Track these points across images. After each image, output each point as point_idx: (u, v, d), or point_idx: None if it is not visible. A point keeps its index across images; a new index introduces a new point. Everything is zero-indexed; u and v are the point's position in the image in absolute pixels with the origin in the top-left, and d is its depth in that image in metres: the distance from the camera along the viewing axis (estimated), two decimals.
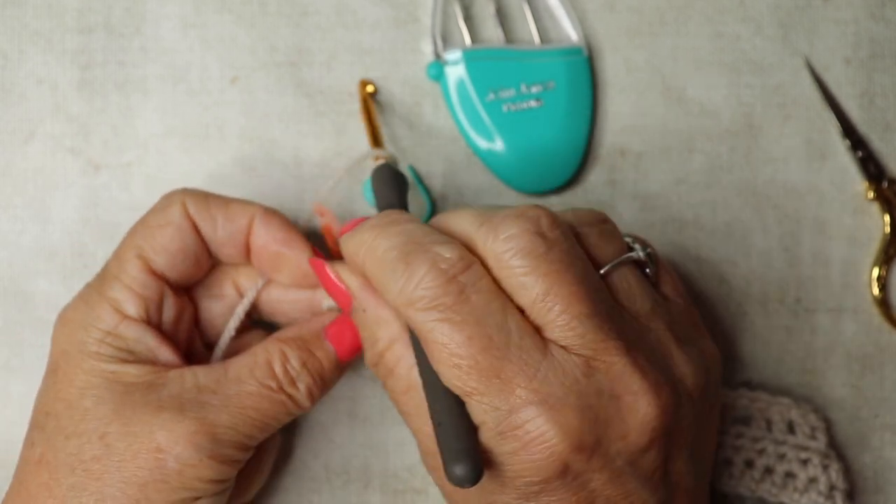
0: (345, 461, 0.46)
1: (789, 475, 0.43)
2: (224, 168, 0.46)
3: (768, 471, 0.43)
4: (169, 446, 0.35)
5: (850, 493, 0.45)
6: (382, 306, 0.36)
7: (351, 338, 0.40)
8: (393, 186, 0.40)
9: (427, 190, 0.46)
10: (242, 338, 0.42)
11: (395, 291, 0.33)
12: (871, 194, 0.47)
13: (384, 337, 0.36)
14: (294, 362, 0.38)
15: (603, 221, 0.37)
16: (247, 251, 0.40)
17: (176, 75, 0.46)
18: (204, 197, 0.40)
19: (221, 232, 0.40)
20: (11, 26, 0.46)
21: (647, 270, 0.37)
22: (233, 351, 0.41)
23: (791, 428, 0.44)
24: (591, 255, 0.35)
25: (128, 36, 0.46)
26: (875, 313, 0.47)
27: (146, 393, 0.36)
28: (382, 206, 0.40)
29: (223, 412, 0.36)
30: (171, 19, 0.46)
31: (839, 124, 0.47)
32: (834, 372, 0.47)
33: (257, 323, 0.43)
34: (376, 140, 0.43)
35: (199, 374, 0.37)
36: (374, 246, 0.35)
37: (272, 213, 0.40)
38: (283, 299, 0.42)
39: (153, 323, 0.38)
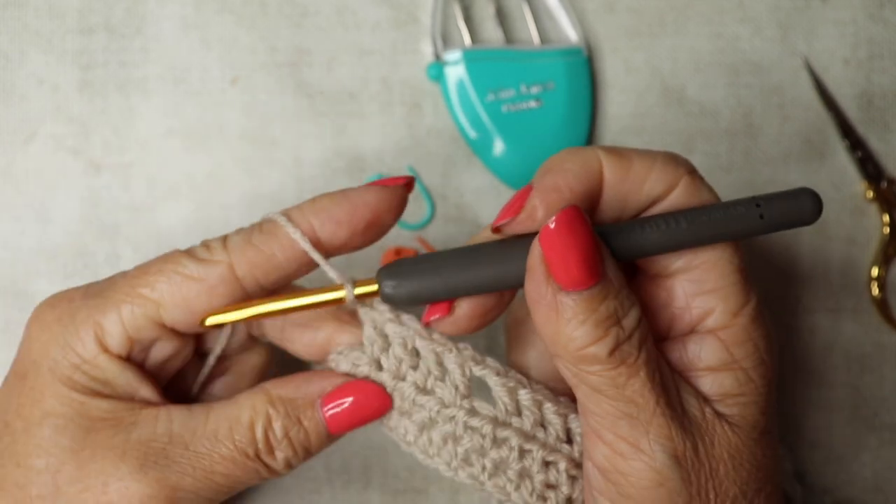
0: (345, 461, 0.46)
1: None
2: (224, 168, 0.46)
3: None
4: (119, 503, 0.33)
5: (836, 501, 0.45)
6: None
7: (349, 412, 0.36)
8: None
9: (427, 190, 0.46)
10: (242, 355, 0.40)
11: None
12: (869, 194, 0.47)
13: None
14: (277, 431, 0.35)
15: None
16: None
17: (176, 76, 0.46)
18: (256, 263, 0.35)
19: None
20: (12, 27, 0.46)
21: None
22: (232, 368, 0.39)
23: None
24: None
25: (128, 36, 0.46)
26: (874, 313, 0.47)
27: (112, 433, 0.33)
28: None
29: (189, 474, 0.33)
30: (171, 20, 0.46)
31: (838, 124, 0.47)
32: (833, 372, 0.47)
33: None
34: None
35: (174, 420, 0.34)
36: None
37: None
38: (292, 337, 0.38)
39: (136, 361, 0.35)
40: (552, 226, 0.30)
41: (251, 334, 0.39)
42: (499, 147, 0.45)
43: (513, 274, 0.32)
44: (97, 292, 0.35)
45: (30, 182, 0.46)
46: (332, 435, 0.36)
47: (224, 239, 0.35)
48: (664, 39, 0.47)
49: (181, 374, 0.38)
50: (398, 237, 0.46)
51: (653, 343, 0.32)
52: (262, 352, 0.40)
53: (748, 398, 0.32)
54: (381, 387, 0.36)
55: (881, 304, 0.47)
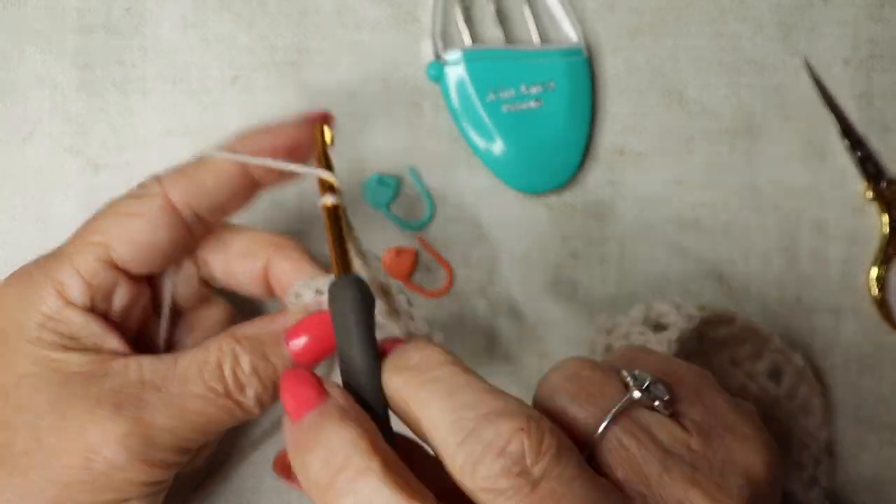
0: None
1: (782, 449, 0.43)
2: None
3: None
4: (99, 447, 0.33)
5: (832, 495, 0.45)
6: None
7: (313, 344, 0.36)
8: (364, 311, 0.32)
9: (427, 190, 0.46)
10: (203, 310, 0.40)
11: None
12: (869, 194, 0.47)
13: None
14: (245, 366, 0.36)
15: (575, 374, 0.31)
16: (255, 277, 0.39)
17: (175, 75, 0.46)
18: (190, 192, 0.36)
19: (229, 268, 0.38)
20: (11, 26, 0.46)
21: (657, 404, 0.30)
22: (195, 324, 0.40)
23: (807, 411, 0.44)
24: (575, 428, 0.30)
25: (127, 36, 0.46)
26: (874, 313, 0.47)
27: (86, 384, 0.34)
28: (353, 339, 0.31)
29: (162, 413, 0.34)
30: (170, 19, 0.46)
31: (838, 124, 0.47)
32: (834, 372, 0.47)
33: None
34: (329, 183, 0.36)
35: (144, 366, 0.35)
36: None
37: (287, 247, 0.38)
38: (235, 270, 0.39)
39: (99, 311, 0.36)
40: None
41: (203, 280, 0.40)
42: (499, 147, 0.45)
43: None
44: (49, 255, 0.37)
45: (28, 181, 0.46)
46: (299, 364, 0.37)
47: (158, 175, 0.37)
48: (665, 39, 0.47)
49: (146, 335, 0.39)
50: (398, 237, 0.46)
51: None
52: (222, 306, 0.41)
53: None
54: None
55: (881, 304, 0.47)
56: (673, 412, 0.30)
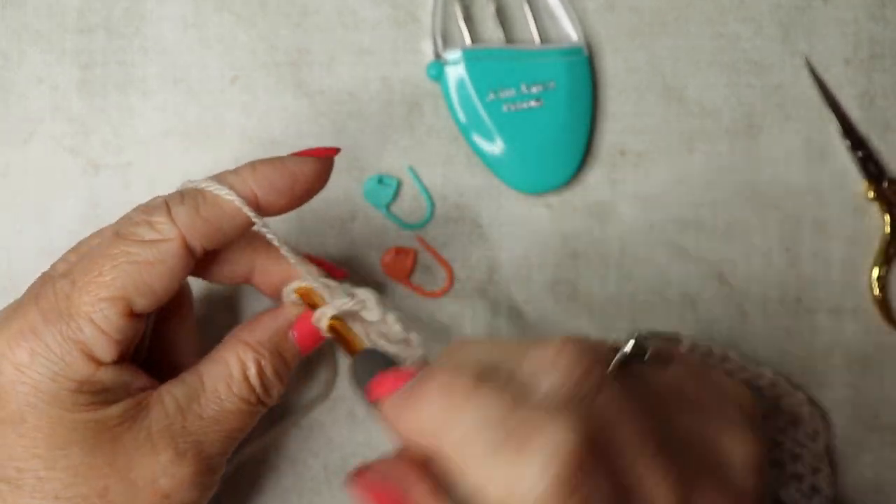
0: (345, 461, 0.46)
1: (776, 464, 0.43)
2: (224, 168, 0.46)
3: None
4: (175, 492, 0.34)
5: (835, 500, 0.44)
6: None
7: (314, 333, 0.39)
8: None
9: (427, 190, 0.46)
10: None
11: None
12: (871, 194, 0.47)
13: None
14: (269, 373, 0.37)
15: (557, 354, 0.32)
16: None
17: (176, 75, 0.46)
18: (206, 235, 0.35)
19: (221, 275, 0.38)
20: (12, 26, 0.46)
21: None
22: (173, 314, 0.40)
23: (795, 422, 0.44)
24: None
25: (128, 36, 0.46)
26: (875, 313, 0.47)
27: (135, 432, 0.34)
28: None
29: (214, 440, 0.36)
30: (170, 19, 0.46)
31: (839, 124, 0.47)
32: (834, 372, 0.47)
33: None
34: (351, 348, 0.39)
35: (177, 395, 0.35)
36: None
37: (272, 253, 0.38)
38: (220, 277, 0.39)
39: (126, 360, 0.35)
40: None
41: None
42: (499, 147, 0.45)
43: None
44: (57, 313, 0.33)
45: (28, 182, 0.46)
46: (302, 357, 0.39)
47: (167, 211, 0.34)
48: (665, 39, 0.47)
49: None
50: (398, 237, 0.46)
51: None
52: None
53: None
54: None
55: (882, 305, 0.47)
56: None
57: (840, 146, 0.47)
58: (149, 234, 0.34)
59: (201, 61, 0.46)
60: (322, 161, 0.37)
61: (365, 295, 0.37)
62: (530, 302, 0.47)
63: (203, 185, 0.35)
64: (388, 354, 0.36)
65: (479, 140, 0.45)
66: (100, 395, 0.34)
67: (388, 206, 0.46)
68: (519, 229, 0.47)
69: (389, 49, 0.46)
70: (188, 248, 0.34)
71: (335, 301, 0.38)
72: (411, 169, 0.46)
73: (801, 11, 0.47)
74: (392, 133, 0.46)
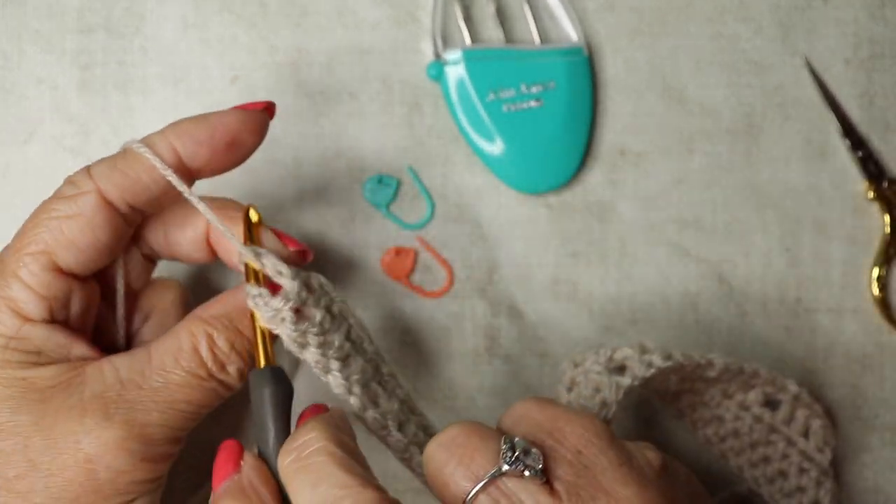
0: None
1: (782, 474, 0.43)
2: None
3: (766, 460, 0.44)
4: (98, 456, 0.33)
5: None
6: None
7: None
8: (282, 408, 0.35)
9: (427, 190, 0.46)
10: (154, 295, 0.40)
11: None
12: (871, 194, 0.47)
13: None
14: (222, 345, 0.36)
15: (450, 441, 0.33)
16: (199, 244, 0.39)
17: (176, 75, 0.46)
18: (125, 187, 0.35)
19: (170, 239, 0.38)
20: (11, 26, 0.46)
21: (527, 474, 0.31)
22: (149, 311, 0.39)
23: (806, 433, 0.44)
24: (448, 492, 0.32)
25: (128, 36, 0.46)
26: (875, 313, 0.47)
27: (66, 396, 0.34)
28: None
29: (152, 410, 0.34)
30: (171, 19, 0.46)
31: (839, 124, 0.47)
32: (834, 372, 0.47)
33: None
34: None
35: (119, 367, 0.35)
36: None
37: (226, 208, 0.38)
38: (175, 240, 0.39)
39: (59, 320, 0.35)
40: None
41: (147, 256, 0.39)
42: (499, 147, 0.45)
43: None
44: None
45: (29, 181, 0.46)
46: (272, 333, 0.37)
47: (87, 169, 0.36)
48: (665, 39, 0.47)
49: (103, 331, 0.39)
50: (398, 237, 0.46)
51: None
52: (174, 286, 0.41)
53: None
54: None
55: (882, 304, 0.47)
56: (547, 475, 0.31)
57: (840, 146, 0.47)
58: (69, 191, 0.35)
59: (201, 61, 0.46)
60: (246, 113, 0.37)
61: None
62: (530, 302, 0.46)
63: (128, 143, 0.36)
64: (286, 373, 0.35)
65: (478, 140, 0.45)
66: (31, 356, 0.34)
67: (388, 206, 0.46)
68: (519, 229, 0.47)
69: (389, 49, 0.46)
70: (107, 201, 0.35)
71: (244, 249, 0.36)
72: (411, 169, 0.46)
73: (801, 11, 0.47)
74: (392, 133, 0.46)
